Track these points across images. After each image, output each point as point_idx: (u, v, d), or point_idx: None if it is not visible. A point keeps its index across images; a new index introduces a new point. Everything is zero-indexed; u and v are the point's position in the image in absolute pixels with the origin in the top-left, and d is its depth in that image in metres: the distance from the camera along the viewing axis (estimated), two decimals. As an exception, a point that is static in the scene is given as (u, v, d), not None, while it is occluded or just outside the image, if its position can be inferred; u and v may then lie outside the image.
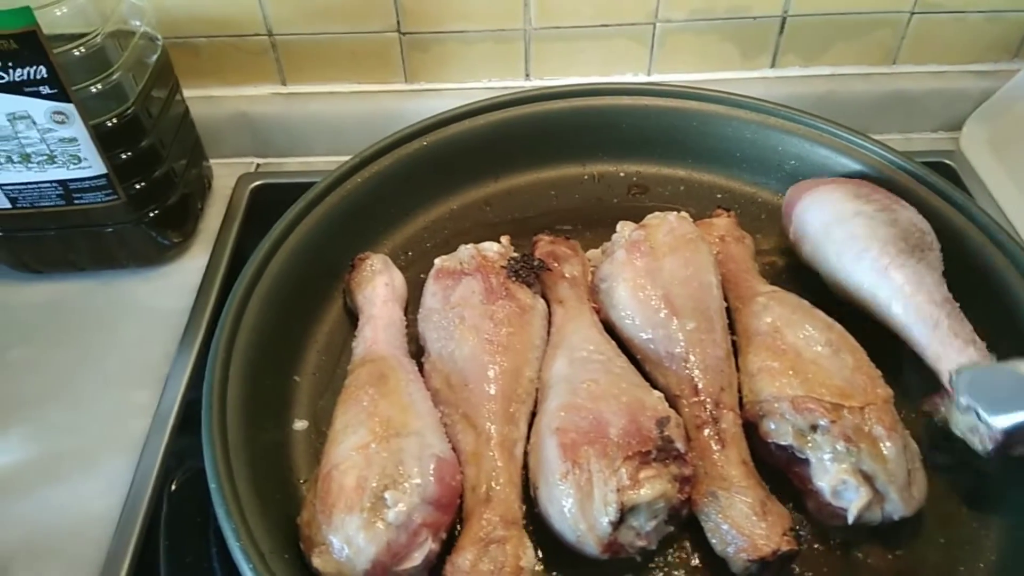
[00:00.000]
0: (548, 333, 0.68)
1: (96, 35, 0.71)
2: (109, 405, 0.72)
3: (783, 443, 0.58)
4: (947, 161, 0.94)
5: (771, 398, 0.60)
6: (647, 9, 0.90)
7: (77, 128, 0.70)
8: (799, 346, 0.62)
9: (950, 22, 0.93)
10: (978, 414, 0.56)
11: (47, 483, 0.67)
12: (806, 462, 0.58)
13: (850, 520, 0.55)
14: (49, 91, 0.67)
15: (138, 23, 0.78)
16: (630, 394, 0.59)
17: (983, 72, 0.97)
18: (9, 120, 0.69)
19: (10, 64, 0.65)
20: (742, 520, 0.55)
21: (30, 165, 0.73)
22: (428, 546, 0.52)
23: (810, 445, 0.57)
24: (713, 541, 0.56)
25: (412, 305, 0.72)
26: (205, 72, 0.93)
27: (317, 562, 0.51)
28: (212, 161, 0.94)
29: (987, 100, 0.94)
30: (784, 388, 0.59)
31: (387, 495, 0.51)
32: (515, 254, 0.71)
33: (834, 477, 0.56)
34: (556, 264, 0.71)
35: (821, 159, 0.79)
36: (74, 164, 0.73)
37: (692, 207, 0.77)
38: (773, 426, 0.59)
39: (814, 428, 0.57)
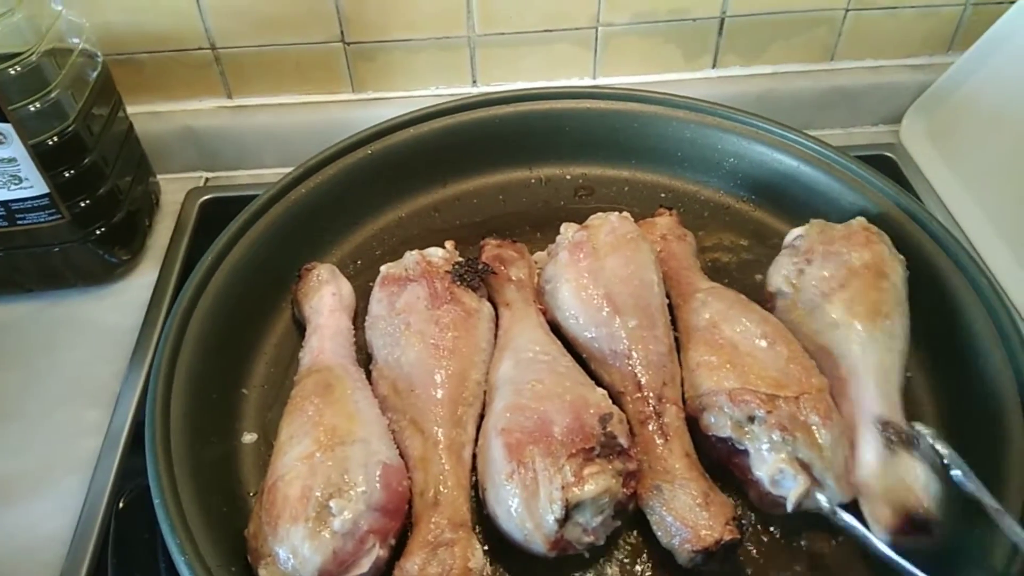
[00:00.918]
0: (495, 336, 0.68)
1: (32, 53, 0.71)
2: (60, 425, 0.72)
3: (722, 435, 0.59)
4: (888, 154, 0.96)
5: (709, 391, 0.61)
6: (589, 14, 0.91)
7: (16, 148, 0.70)
8: (736, 340, 0.63)
9: (884, 18, 0.95)
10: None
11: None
12: (745, 453, 0.59)
13: (789, 508, 0.56)
14: (-15, 111, 0.67)
15: (76, 40, 0.78)
16: (574, 392, 0.59)
17: (919, 66, 0.99)
18: (-55, 142, 0.68)
19: (-56, 85, 0.65)
20: (685, 512, 0.56)
21: (-30, 186, 0.72)
22: (376, 552, 0.52)
23: (748, 436, 0.58)
24: (659, 534, 0.57)
25: (361, 314, 0.72)
26: (149, 87, 0.92)
27: (264, 574, 0.51)
28: (160, 176, 0.93)
29: (924, 93, 0.97)
30: (721, 381, 0.61)
31: (332, 504, 0.52)
32: (460, 259, 0.71)
33: (772, 466, 0.57)
34: (502, 267, 0.72)
35: (758, 155, 0.81)
36: (15, 184, 0.72)
37: (637, 207, 0.79)
38: (712, 419, 0.60)
39: (751, 419, 0.58)
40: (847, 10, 0.94)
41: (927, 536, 0.55)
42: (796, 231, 0.72)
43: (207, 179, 0.97)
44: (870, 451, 0.58)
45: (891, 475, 0.56)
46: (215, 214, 0.91)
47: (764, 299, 0.70)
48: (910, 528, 0.55)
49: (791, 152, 0.79)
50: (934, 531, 0.55)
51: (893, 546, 0.54)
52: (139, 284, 0.84)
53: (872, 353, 0.62)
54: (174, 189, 0.94)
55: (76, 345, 0.78)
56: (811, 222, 0.71)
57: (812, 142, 0.78)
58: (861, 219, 0.70)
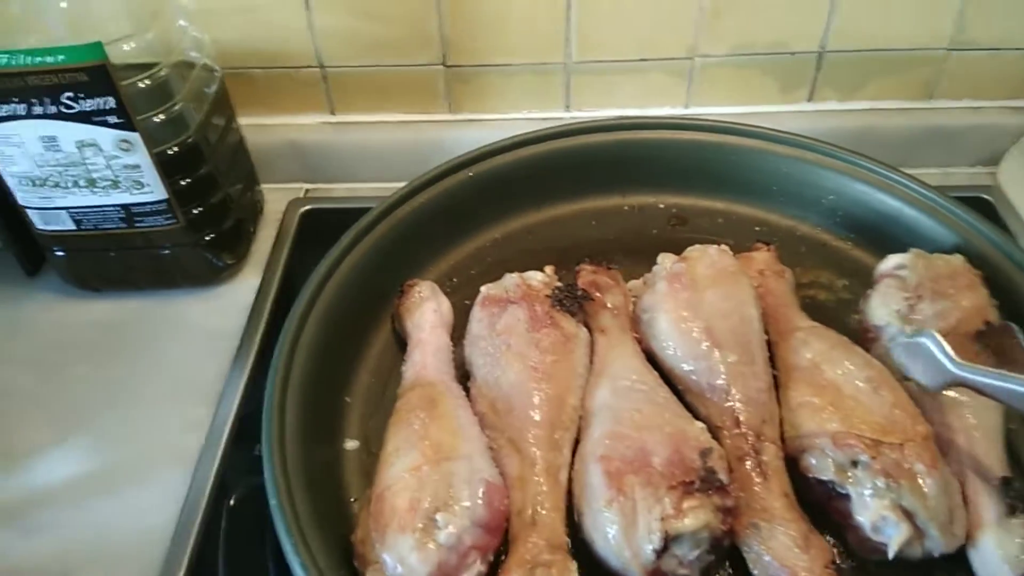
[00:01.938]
0: (591, 362, 0.69)
1: (161, 68, 0.75)
2: (165, 420, 0.75)
3: (823, 478, 0.59)
4: (985, 196, 0.94)
5: (811, 433, 0.60)
6: (686, 44, 0.92)
7: (140, 155, 0.74)
8: (839, 382, 0.62)
9: (986, 58, 0.94)
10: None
11: (105, 495, 0.69)
12: (847, 497, 0.58)
13: (890, 555, 0.56)
14: (116, 120, 0.71)
15: (198, 55, 0.82)
16: (673, 424, 0.60)
17: (1021, 108, 0.97)
18: (78, 147, 0.73)
19: (81, 95, 0.69)
20: (784, 552, 0.56)
21: (95, 190, 0.76)
22: (477, 568, 0.54)
23: (850, 481, 0.58)
24: (755, 572, 0.57)
25: (458, 331, 0.74)
26: (259, 101, 0.96)
27: (371, 579, 0.53)
28: (264, 186, 0.97)
29: (1024, 136, 0.95)
30: (824, 423, 0.60)
31: (438, 516, 0.53)
32: (559, 283, 0.72)
33: (874, 512, 0.56)
34: (599, 294, 0.73)
35: (858, 194, 0.80)
36: (136, 189, 0.76)
37: (731, 239, 0.79)
38: (814, 461, 0.60)
39: (854, 464, 0.58)
40: (949, 49, 0.93)
41: None
42: (894, 259, 0.71)
43: (307, 190, 1.01)
44: (991, 510, 0.57)
45: (1014, 536, 0.56)
46: (314, 224, 0.94)
47: (863, 332, 0.70)
48: None
49: (894, 192, 0.78)
50: None
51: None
52: (242, 288, 0.87)
53: (987, 405, 0.61)
54: (276, 199, 0.98)
55: (181, 343, 0.82)
56: (911, 251, 0.70)
57: (916, 183, 0.77)
58: (960, 256, 0.70)
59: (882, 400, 0.61)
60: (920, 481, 0.56)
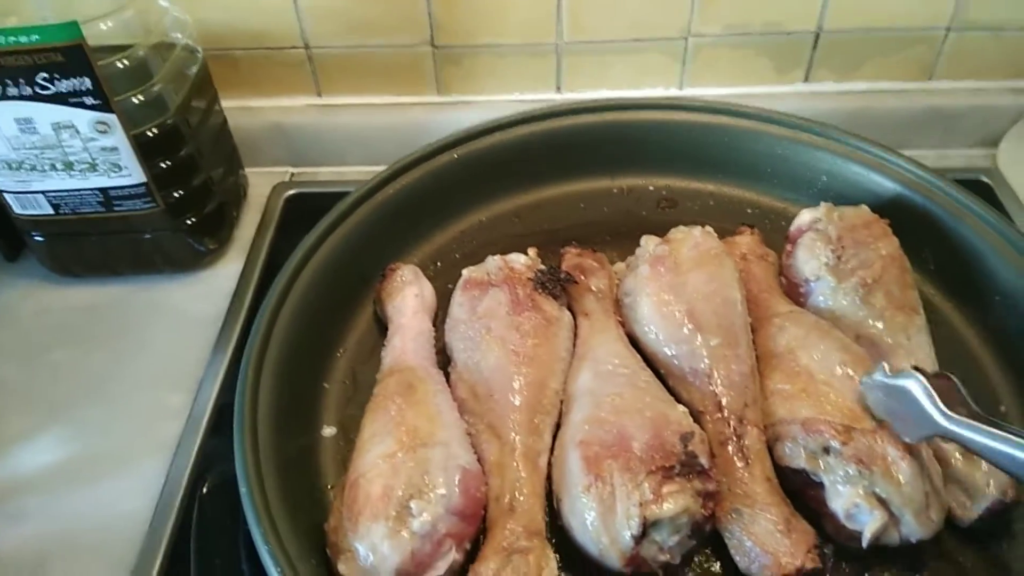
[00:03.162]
0: (574, 345, 0.68)
1: (139, 48, 0.74)
2: (144, 407, 0.74)
3: (796, 466, 0.58)
4: (983, 178, 0.92)
5: (783, 420, 0.59)
6: (680, 24, 0.90)
7: (118, 137, 0.72)
8: (812, 368, 0.61)
9: (987, 39, 0.92)
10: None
11: (83, 482, 0.69)
12: (820, 485, 0.57)
13: (864, 543, 0.55)
14: (93, 102, 0.70)
15: (179, 36, 0.80)
16: (654, 408, 0.59)
17: (1020, 89, 0.95)
18: (54, 129, 0.71)
19: (56, 76, 0.68)
20: (766, 537, 0.55)
21: (72, 173, 0.75)
22: (452, 556, 0.53)
23: (823, 468, 0.57)
24: (737, 558, 0.56)
25: (441, 316, 0.72)
26: (243, 83, 0.95)
27: (343, 568, 0.52)
28: (247, 170, 0.96)
29: (1024, 117, 0.93)
30: (796, 410, 0.59)
31: (412, 504, 0.52)
32: (542, 266, 0.71)
33: (847, 500, 0.55)
34: (583, 277, 0.72)
35: (853, 175, 0.79)
36: (115, 172, 0.75)
37: (722, 222, 0.77)
38: (787, 449, 0.59)
39: (826, 450, 0.57)
40: (949, 29, 0.91)
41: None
42: (808, 213, 0.72)
43: (292, 174, 1.00)
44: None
45: (978, 464, 0.58)
46: (299, 208, 0.93)
47: (793, 289, 0.71)
48: (996, 513, 0.58)
49: (887, 173, 0.76)
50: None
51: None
52: (224, 274, 0.86)
53: (924, 346, 0.65)
54: (260, 183, 0.96)
55: (162, 330, 0.81)
56: (823, 204, 0.72)
57: (911, 164, 0.76)
58: (865, 207, 0.72)
59: (855, 385, 0.59)
60: (893, 467, 0.55)
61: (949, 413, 0.52)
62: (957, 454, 0.59)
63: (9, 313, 0.83)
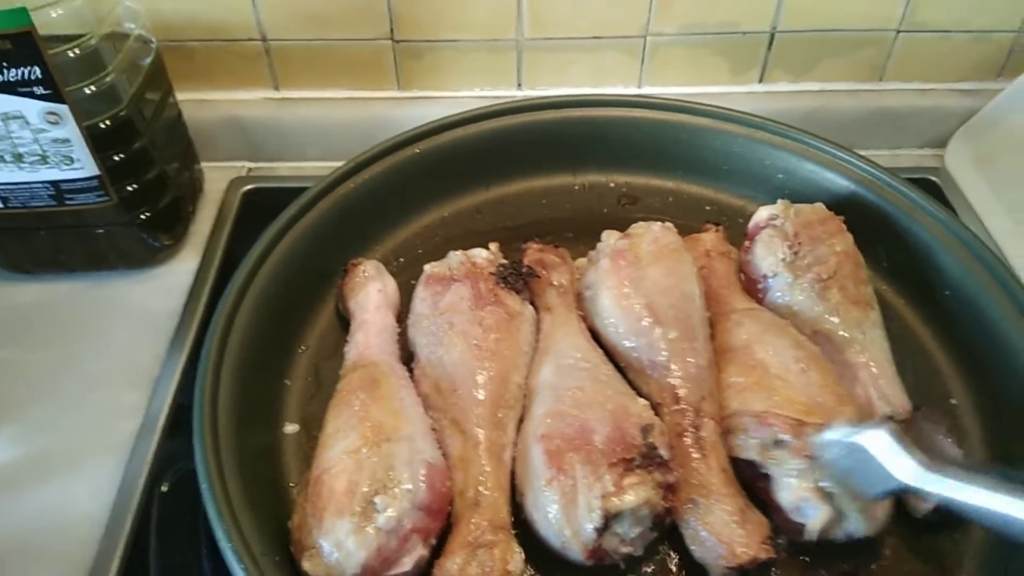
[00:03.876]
0: (536, 340, 0.68)
1: (91, 37, 0.71)
2: (99, 406, 0.72)
3: (748, 458, 0.59)
4: (932, 177, 0.95)
5: (736, 413, 0.60)
6: (639, 23, 0.91)
7: (70, 129, 0.71)
8: (767, 362, 0.62)
9: (936, 41, 0.95)
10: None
11: (37, 483, 0.67)
12: (769, 477, 0.58)
13: (807, 537, 0.56)
14: (43, 91, 0.68)
15: (132, 26, 0.79)
16: (615, 401, 0.59)
17: (968, 91, 0.98)
18: (2, 120, 0.69)
19: (4, 64, 0.66)
20: (721, 527, 0.56)
21: (22, 165, 0.73)
22: (418, 552, 0.53)
23: (772, 461, 0.58)
24: (693, 548, 0.57)
25: (404, 311, 0.72)
26: (198, 76, 0.93)
27: (307, 565, 0.51)
28: (204, 164, 0.94)
29: (971, 118, 0.96)
30: (749, 403, 0.60)
31: (377, 500, 0.52)
32: (504, 261, 0.71)
33: (794, 493, 0.56)
34: (544, 272, 0.72)
35: (808, 173, 0.80)
36: (66, 165, 0.73)
37: (681, 218, 0.78)
38: (739, 441, 0.60)
39: (777, 443, 0.58)
40: (899, 31, 0.93)
41: None
42: (766, 210, 0.73)
43: (249, 169, 0.98)
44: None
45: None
46: (257, 204, 0.92)
47: (751, 285, 0.72)
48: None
49: (842, 172, 0.78)
50: None
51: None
52: (180, 270, 0.84)
53: (878, 340, 0.67)
54: (217, 177, 0.95)
55: (116, 327, 0.79)
56: (780, 201, 0.73)
57: (865, 163, 0.78)
58: (821, 204, 0.73)
59: (809, 380, 0.61)
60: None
61: (933, 463, 0.50)
62: None
63: (-45, 311, 0.80)
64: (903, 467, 0.50)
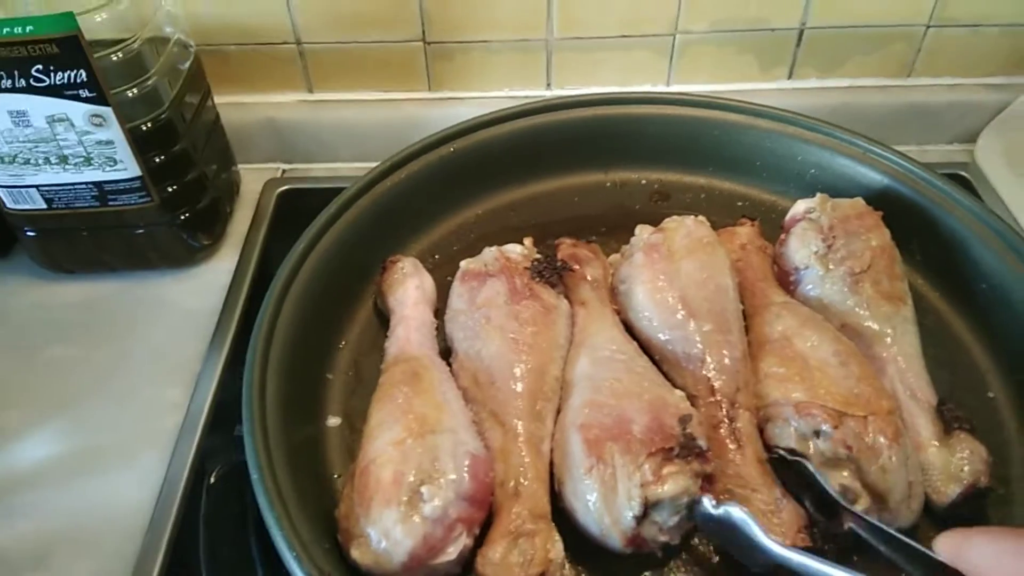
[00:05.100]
0: (571, 334, 0.69)
1: (134, 41, 0.73)
2: (142, 402, 0.74)
3: (785, 447, 0.59)
4: (962, 173, 0.95)
5: (776, 402, 0.61)
6: (668, 21, 0.92)
7: (114, 131, 0.72)
8: (806, 354, 0.63)
9: (966, 35, 0.94)
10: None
11: (83, 476, 0.68)
12: (805, 467, 0.58)
13: (845, 526, 0.56)
14: (88, 94, 0.69)
15: (172, 30, 0.80)
16: (652, 392, 0.60)
17: (998, 85, 0.98)
18: (48, 122, 0.71)
19: (51, 67, 0.67)
20: (758, 517, 0.56)
21: (67, 167, 0.74)
22: (463, 541, 0.53)
23: (811, 450, 0.58)
24: (730, 537, 0.57)
25: (439, 308, 0.73)
26: (234, 79, 0.95)
27: (355, 554, 0.52)
28: (240, 166, 0.96)
29: (1002, 113, 0.96)
30: (789, 393, 0.60)
31: (423, 490, 0.53)
32: (538, 255, 0.72)
33: (833, 483, 0.56)
34: (578, 266, 0.73)
35: (841, 168, 0.80)
36: (110, 166, 0.75)
37: (713, 215, 0.78)
38: (777, 430, 0.60)
39: (816, 433, 0.58)
40: (928, 26, 0.93)
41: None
42: (804, 203, 0.73)
43: (283, 170, 1.00)
44: (932, 430, 0.61)
45: (953, 451, 0.60)
46: (292, 205, 0.93)
47: (783, 277, 0.72)
48: (971, 498, 0.59)
49: (876, 167, 0.78)
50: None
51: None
52: (218, 269, 0.86)
53: (909, 335, 0.67)
54: (252, 179, 0.96)
55: (157, 325, 0.80)
56: (818, 195, 0.73)
57: (899, 157, 0.78)
58: (860, 199, 0.73)
59: (848, 373, 0.61)
60: (881, 454, 0.56)
61: (779, 541, 0.52)
62: (934, 440, 0.61)
63: (1, 309, 0.82)
64: (770, 540, 0.53)
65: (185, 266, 0.85)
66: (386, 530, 0.52)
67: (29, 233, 0.81)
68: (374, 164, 0.80)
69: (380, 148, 0.86)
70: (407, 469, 0.54)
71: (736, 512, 0.54)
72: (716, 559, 0.59)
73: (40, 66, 0.67)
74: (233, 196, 0.93)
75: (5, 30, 0.65)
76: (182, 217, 0.82)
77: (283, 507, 0.52)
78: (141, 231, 0.81)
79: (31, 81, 0.68)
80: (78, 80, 0.68)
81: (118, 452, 0.70)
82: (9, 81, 0.68)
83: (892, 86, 0.98)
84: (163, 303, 0.83)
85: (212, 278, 0.85)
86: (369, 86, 0.97)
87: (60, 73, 0.68)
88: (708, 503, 0.55)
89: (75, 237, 0.81)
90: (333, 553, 0.54)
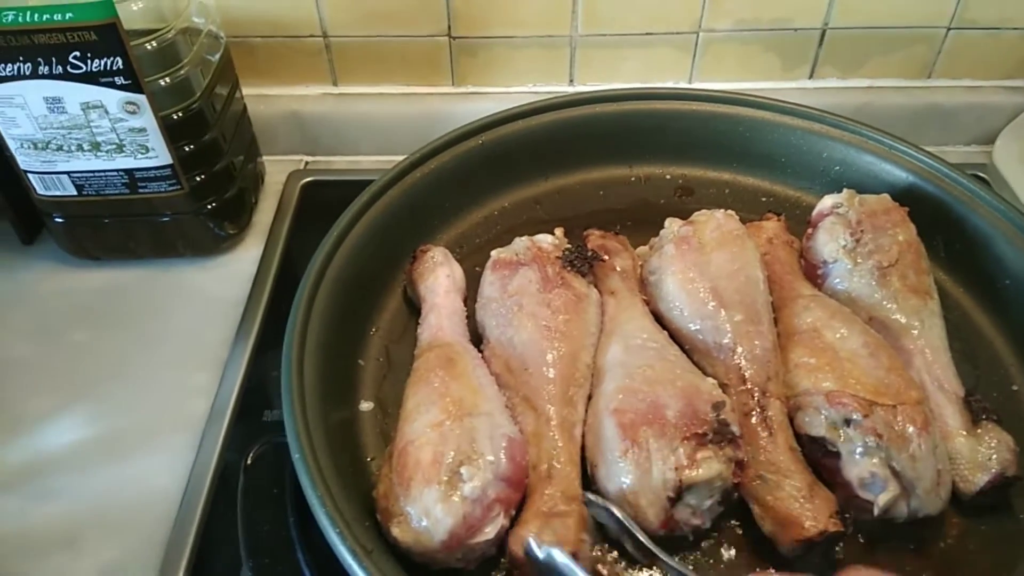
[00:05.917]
0: (601, 322, 0.70)
1: (168, 30, 0.74)
2: (171, 387, 0.74)
3: (816, 435, 0.60)
4: (980, 174, 0.95)
5: (806, 391, 0.62)
6: (692, 19, 0.93)
7: (147, 119, 0.73)
8: (836, 345, 0.64)
9: (985, 38, 0.95)
10: None
11: (111, 460, 0.69)
12: (836, 455, 0.59)
13: (875, 512, 0.57)
14: (123, 82, 0.70)
15: (203, 21, 0.81)
16: (685, 379, 0.61)
17: (1016, 88, 0.99)
18: (83, 109, 0.72)
19: (89, 54, 0.68)
20: (791, 502, 0.57)
21: (99, 153, 0.75)
22: (500, 522, 0.54)
23: (842, 438, 0.59)
24: (762, 522, 0.58)
25: (469, 297, 0.74)
26: (260, 71, 0.95)
27: (396, 532, 0.53)
28: (264, 157, 0.96)
29: (1020, 115, 0.97)
30: (820, 382, 0.61)
31: (463, 470, 0.53)
32: (569, 245, 0.73)
33: (863, 470, 0.57)
34: (607, 256, 0.74)
35: (866, 165, 0.81)
36: (141, 154, 0.75)
37: (737, 210, 0.78)
38: (807, 419, 0.61)
39: (847, 422, 0.59)
40: (949, 28, 0.94)
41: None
42: (831, 198, 0.74)
43: (307, 163, 1.00)
44: (959, 420, 0.62)
45: (981, 440, 0.61)
46: (315, 196, 0.94)
47: (811, 270, 0.73)
48: (997, 487, 0.60)
49: (901, 164, 0.79)
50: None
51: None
52: (243, 258, 0.86)
53: (936, 328, 0.68)
54: (276, 170, 0.97)
55: (184, 312, 0.81)
56: (845, 190, 0.74)
57: (924, 155, 0.79)
58: (887, 195, 0.74)
59: (878, 363, 0.62)
60: (910, 442, 0.57)
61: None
62: (962, 430, 0.62)
63: (27, 295, 0.83)
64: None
65: (210, 255, 0.86)
66: (427, 509, 0.52)
67: (58, 220, 0.81)
68: (396, 158, 0.80)
69: (402, 142, 0.87)
70: (446, 450, 0.54)
71: (559, 556, 0.52)
72: (745, 543, 0.60)
73: (77, 53, 0.68)
74: (258, 187, 0.94)
75: (44, 16, 0.66)
76: (209, 206, 0.82)
77: (325, 487, 0.53)
78: (168, 219, 0.82)
79: (68, 68, 0.69)
80: (114, 67, 0.69)
81: (146, 437, 0.71)
82: (46, 67, 0.69)
83: (912, 87, 0.99)
84: (189, 291, 0.83)
85: (237, 267, 0.85)
86: (393, 80, 0.98)
87: (97, 60, 0.69)
88: (533, 543, 0.53)
89: (102, 224, 0.82)
90: (373, 531, 0.55)
